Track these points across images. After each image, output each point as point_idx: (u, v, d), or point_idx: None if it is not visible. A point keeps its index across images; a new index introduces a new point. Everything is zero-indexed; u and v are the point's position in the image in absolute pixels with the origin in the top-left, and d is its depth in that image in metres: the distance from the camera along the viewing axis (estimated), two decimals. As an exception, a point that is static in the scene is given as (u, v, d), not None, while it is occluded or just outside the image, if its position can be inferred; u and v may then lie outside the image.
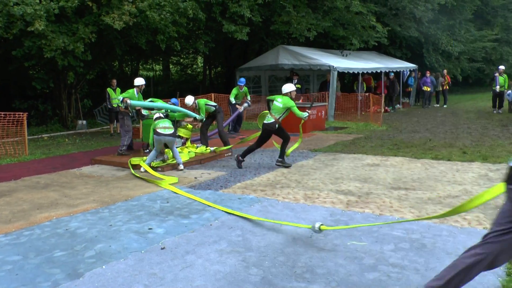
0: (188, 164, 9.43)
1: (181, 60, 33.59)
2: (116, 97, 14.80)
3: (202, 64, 31.49)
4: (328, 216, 5.75)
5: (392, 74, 21.85)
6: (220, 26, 17.45)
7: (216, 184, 7.69)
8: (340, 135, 13.56)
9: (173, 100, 11.64)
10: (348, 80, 28.39)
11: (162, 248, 4.78)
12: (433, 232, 5.16)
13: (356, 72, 19.10)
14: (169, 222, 5.66)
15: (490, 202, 6.20)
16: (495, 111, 19.24)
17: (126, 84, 25.81)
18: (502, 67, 19.89)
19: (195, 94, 19.70)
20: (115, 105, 14.72)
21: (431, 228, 5.28)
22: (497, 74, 19.38)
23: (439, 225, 5.40)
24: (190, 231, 5.30)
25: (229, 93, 14.17)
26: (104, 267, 4.35)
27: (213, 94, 17.94)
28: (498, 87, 18.95)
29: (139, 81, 10.92)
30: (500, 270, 4.12)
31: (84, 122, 16.88)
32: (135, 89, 10.78)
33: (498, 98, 19.20)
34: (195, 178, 8.23)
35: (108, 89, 14.97)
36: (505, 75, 19.46)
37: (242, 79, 14.62)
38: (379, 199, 6.49)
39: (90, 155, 10.91)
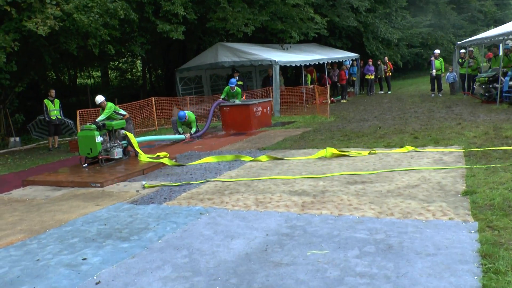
0: (130, 176, 8.64)
1: (120, 65, 32.30)
2: (55, 108, 13.76)
3: (141, 68, 30.37)
4: (283, 222, 5.18)
5: (348, 62, 21.93)
6: (155, 26, 16.61)
7: (160, 197, 6.97)
8: (288, 130, 13.09)
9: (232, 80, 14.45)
10: (291, 73, 28.15)
11: (97, 283, 4.05)
12: (398, 229, 4.71)
13: (298, 65, 18.75)
14: (106, 248, 4.91)
15: (451, 189, 5.89)
16: (433, 95, 19.47)
17: (63, 94, 24.54)
18: (437, 51, 20.19)
19: (137, 99, 18.86)
20: (53, 117, 13.66)
21: (396, 225, 4.83)
22: (433, 58, 19.68)
23: (403, 220, 4.96)
24: (130, 257, 4.59)
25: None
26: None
27: (153, 98, 17.10)
28: (434, 71, 19.24)
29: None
30: (475, 267, 3.71)
31: (17, 139, 15.55)
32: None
33: (436, 81, 19.44)
34: (137, 191, 7.47)
35: (46, 101, 13.80)
36: (440, 59, 19.76)
37: (233, 80, 14.59)
38: (336, 197, 6.00)
39: (23, 175, 9.80)
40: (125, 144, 10.49)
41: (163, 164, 9.45)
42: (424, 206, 5.35)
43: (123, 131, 10.42)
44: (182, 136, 12.72)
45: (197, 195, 6.79)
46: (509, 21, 19.12)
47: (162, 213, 6.03)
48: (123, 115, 10.85)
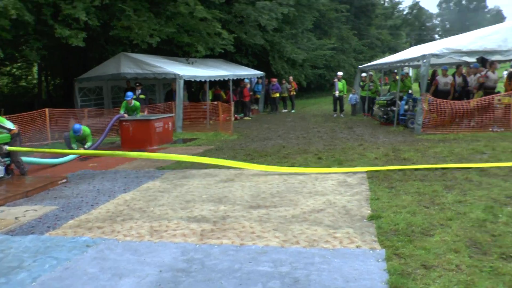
0: (10, 199, 7.52)
1: (13, 71, 29.72)
2: None
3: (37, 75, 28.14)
4: (179, 255, 4.63)
5: (252, 79, 21.85)
6: (53, 30, 15.30)
7: (43, 225, 6.03)
8: (189, 147, 12.52)
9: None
10: (195, 88, 27.66)
11: None
12: (304, 260, 4.38)
13: (203, 80, 18.31)
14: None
15: (356, 213, 5.71)
16: (335, 115, 20.03)
17: None
18: (340, 73, 20.86)
19: (31, 108, 17.22)
20: None
21: (302, 255, 4.50)
22: (336, 80, 20.24)
23: (310, 249, 4.65)
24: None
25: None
26: None
27: (47, 110, 15.70)
28: (337, 92, 19.79)
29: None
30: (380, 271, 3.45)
31: None
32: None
33: (339, 102, 20.02)
34: (16, 218, 6.47)
35: None
36: (343, 81, 20.40)
37: (129, 93, 13.66)
38: (237, 224, 5.57)
39: None
40: (8, 162, 9.30)
41: (52, 185, 8.45)
42: (331, 233, 5.09)
43: (6, 147, 9.21)
44: (73, 156, 11.57)
45: (86, 222, 6.01)
46: (402, 49, 20.28)
47: (42, 246, 5.18)
48: (10, 130, 9.51)
